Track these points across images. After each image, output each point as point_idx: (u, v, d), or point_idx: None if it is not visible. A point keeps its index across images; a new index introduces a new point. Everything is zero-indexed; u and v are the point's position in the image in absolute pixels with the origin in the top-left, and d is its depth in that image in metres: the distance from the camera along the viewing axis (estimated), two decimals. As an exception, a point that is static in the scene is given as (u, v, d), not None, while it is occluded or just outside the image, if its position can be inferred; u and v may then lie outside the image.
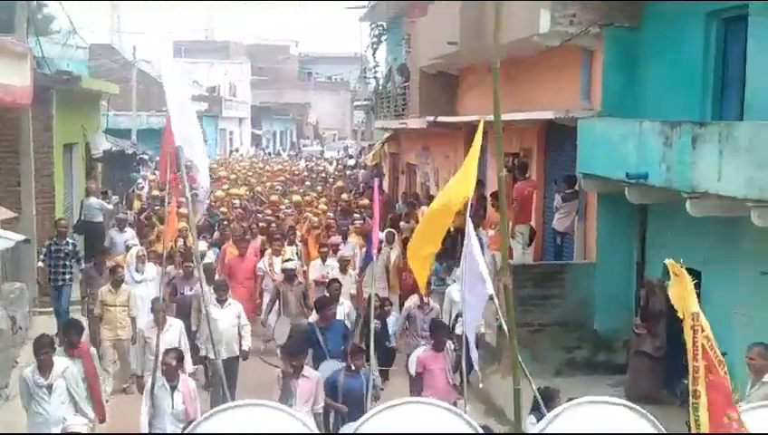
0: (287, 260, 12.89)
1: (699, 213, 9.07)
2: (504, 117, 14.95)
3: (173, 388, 7.94)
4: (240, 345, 10.64)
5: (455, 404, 7.81)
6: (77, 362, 8.47)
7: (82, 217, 16.46)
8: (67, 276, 13.11)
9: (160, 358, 8.09)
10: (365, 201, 20.77)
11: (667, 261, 4.89)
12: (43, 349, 8.02)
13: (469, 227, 6.93)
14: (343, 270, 12.97)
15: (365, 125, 40.19)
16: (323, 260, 13.71)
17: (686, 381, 9.11)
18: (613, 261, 12.07)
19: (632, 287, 11.99)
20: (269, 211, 18.93)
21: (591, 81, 12.47)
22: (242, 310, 10.92)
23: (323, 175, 31.72)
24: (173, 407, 7.88)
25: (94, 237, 15.97)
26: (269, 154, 51.10)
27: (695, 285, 11.00)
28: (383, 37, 29.14)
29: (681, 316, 4.91)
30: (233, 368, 10.46)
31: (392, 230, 15.29)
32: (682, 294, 4.96)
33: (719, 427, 4.68)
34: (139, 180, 24.84)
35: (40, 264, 13.28)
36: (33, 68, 13.76)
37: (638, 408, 5.51)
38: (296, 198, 21.08)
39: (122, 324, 11.49)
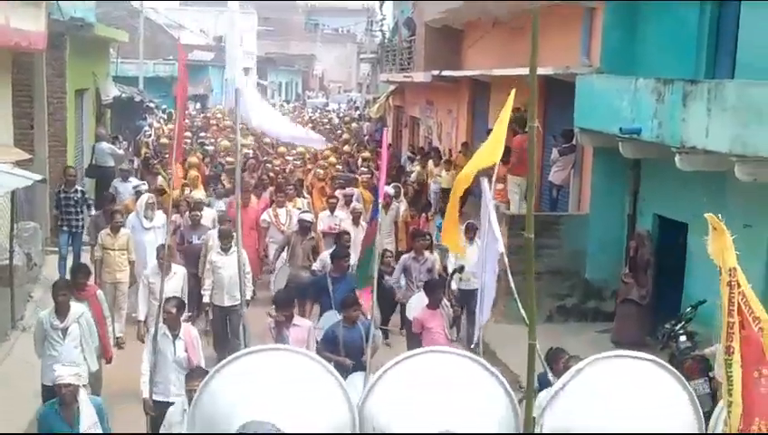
0: (304, 211, 12.91)
1: (688, 167, 9.49)
2: (506, 71, 15.45)
3: (175, 336, 7.95)
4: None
5: None
6: (83, 305, 8.60)
7: (93, 162, 16.90)
8: (79, 223, 13.16)
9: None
10: (366, 154, 21.14)
11: (706, 215, 4.78)
12: (61, 291, 8.23)
13: (486, 194, 6.73)
14: (355, 222, 13.05)
15: (370, 78, 40.41)
16: (332, 211, 13.73)
17: (668, 326, 9.75)
18: (606, 213, 12.51)
19: (623, 239, 12.44)
20: (277, 162, 18.99)
21: (591, 38, 12.84)
22: (246, 257, 10.55)
23: (329, 126, 32.00)
24: (175, 354, 7.90)
25: (104, 181, 16.43)
26: (273, 105, 51.17)
27: (683, 236, 11.51)
28: (390, -11, 29.33)
29: (719, 269, 4.81)
30: (236, 315, 10.24)
31: (398, 184, 15.33)
32: (721, 248, 4.90)
33: (749, 382, 4.66)
34: (146, 128, 25.21)
35: (54, 211, 13.43)
36: (47, 14, 14.07)
37: (664, 363, 5.35)
38: (301, 148, 20.93)
39: (121, 268, 11.51)
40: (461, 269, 10.78)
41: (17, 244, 12.92)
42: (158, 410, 7.64)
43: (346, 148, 22.94)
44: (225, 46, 48.23)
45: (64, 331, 8.12)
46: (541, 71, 13.51)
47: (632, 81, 10.54)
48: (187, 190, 14.86)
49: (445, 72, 19.28)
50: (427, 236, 11.75)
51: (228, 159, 18.65)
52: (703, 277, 9.85)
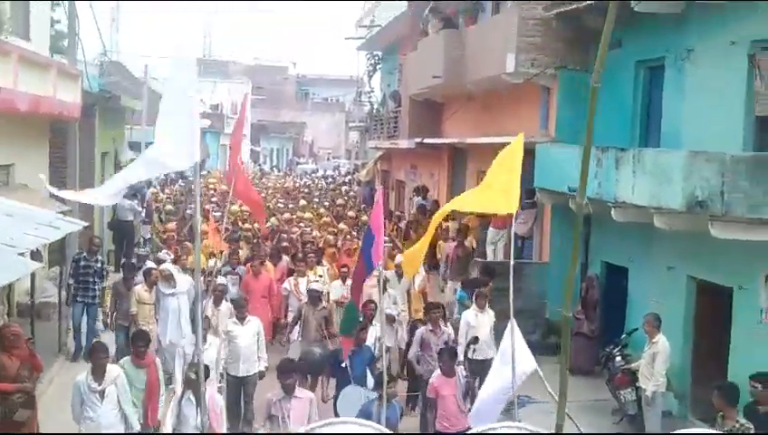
0: (313, 282, 12.56)
1: (621, 219, 11.61)
2: (477, 140, 17.69)
3: (198, 401, 7.70)
4: (258, 364, 10.53)
5: (467, 429, 8.03)
6: (141, 372, 8.62)
7: (115, 217, 18.90)
8: (96, 294, 13.08)
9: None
10: (364, 217, 21.36)
11: None
12: (102, 354, 8.20)
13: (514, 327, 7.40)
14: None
15: (359, 145, 42.75)
16: (343, 280, 13.08)
17: (607, 350, 11.71)
18: (563, 260, 14.53)
19: (578, 282, 14.49)
20: (296, 229, 18.49)
21: (549, 112, 15.14)
22: (261, 327, 10.75)
23: (318, 191, 33.48)
24: (197, 420, 7.72)
25: (124, 235, 18.44)
26: (260, 170, 52.79)
27: (624, 279, 13.52)
28: (378, 66, 31.82)
29: None
30: (251, 385, 10.47)
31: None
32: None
33: None
34: (147, 193, 26.77)
35: (70, 280, 13.16)
36: (82, 87, 16.28)
37: None
38: (307, 214, 21.00)
39: (153, 320, 11.79)
40: (475, 340, 10.86)
41: (54, 284, 14.88)
42: None
43: (351, 213, 22.54)
44: (222, 114, 50.60)
45: (102, 393, 8.06)
46: (506, 139, 15.82)
47: (578, 148, 12.75)
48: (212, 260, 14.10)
49: (427, 140, 21.55)
50: (442, 308, 11.51)
51: (246, 225, 18.41)
52: (640, 312, 11.83)
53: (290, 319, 12.43)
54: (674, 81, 12.16)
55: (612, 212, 11.59)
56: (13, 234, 10.02)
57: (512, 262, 7.42)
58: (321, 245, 16.27)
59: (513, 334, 7.31)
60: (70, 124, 16.35)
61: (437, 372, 9.35)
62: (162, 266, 12.29)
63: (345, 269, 13.43)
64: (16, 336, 8.47)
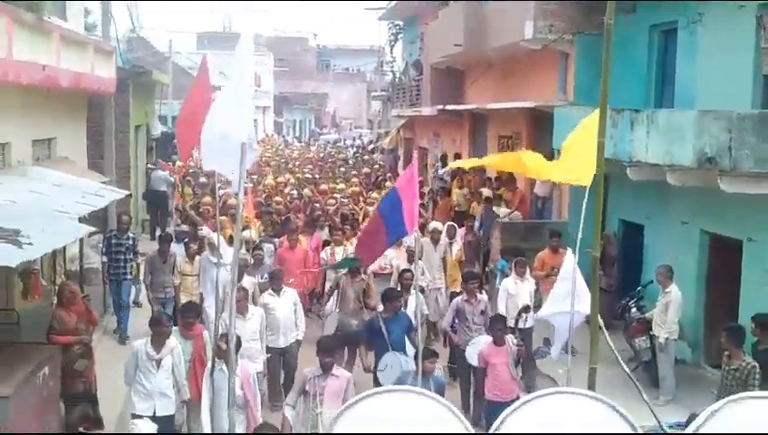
0: (352, 253, 12.20)
1: (637, 177, 12.12)
2: (497, 105, 18.31)
3: (230, 371, 7.66)
4: (297, 333, 10.60)
5: (518, 397, 8.00)
6: (189, 344, 8.69)
7: (150, 187, 19.69)
8: (127, 271, 13.14)
9: (241, 345, 8.02)
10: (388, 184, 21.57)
11: None
12: (162, 324, 8.38)
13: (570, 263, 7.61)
14: (410, 260, 12.21)
15: (381, 114, 43.25)
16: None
17: (623, 302, 12.27)
18: (581, 219, 15.12)
19: (579, 237, 15.01)
20: (332, 201, 18.13)
21: (567, 77, 15.62)
22: (297, 298, 10.80)
23: (342, 161, 33.95)
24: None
25: (159, 204, 19.23)
26: (284, 141, 53.46)
27: (641, 235, 14.05)
28: (399, 35, 32.25)
29: None
30: (292, 355, 10.54)
31: (453, 224, 14.70)
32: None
33: None
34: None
35: (103, 258, 13.33)
36: (116, 63, 16.96)
37: None
38: (341, 186, 20.93)
39: (196, 292, 11.94)
40: (527, 309, 10.76)
41: (95, 251, 15.66)
42: None
43: (388, 184, 21.94)
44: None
45: (158, 362, 8.22)
46: (526, 104, 16.44)
47: (596, 110, 13.26)
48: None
49: (449, 107, 22.08)
50: (479, 278, 11.50)
51: (277, 198, 18.40)
52: (655, 266, 12.35)
53: (326, 289, 12.44)
54: (686, 43, 12.61)
55: (628, 171, 12.10)
56: (63, 202, 10.81)
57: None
58: (360, 216, 16.21)
59: (575, 272, 7.45)
60: (106, 99, 17.04)
61: (487, 339, 9.37)
62: (208, 236, 12.26)
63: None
64: (73, 294, 9.22)
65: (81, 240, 12.26)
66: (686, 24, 12.57)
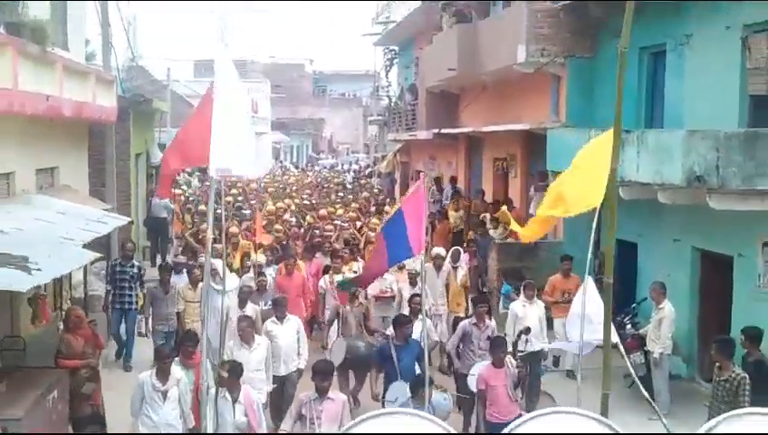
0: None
1: (628, 197, 12.34)
2: (492, 128, 18.58)
3: (234, 399, 7.95)
4: (299, 362, 10.60)
5: (518, 418, 8.40)
6: (190, 373, 8.67)
7: (151, 214, 19.92)
8: (132, 299, 13.05)
9: (246, 373, 8.35)
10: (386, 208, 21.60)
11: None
12: (166, 357, 8.46)
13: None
14: (412, 283, 12.45)
15: (378, 138, 43.62)
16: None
17: (618, 319, 12.47)
18: (576, 239, 15.35)
19: (591, 260, 15.27)
20: (329, 227, 18.12)
21: (559, 99, 15.96)
22: (301, 325, 10.81)
23: (342, 185, 34.13)
24: (234, 418, 7.90)
25: (159, 231, 19.45)
26: (281, 167, 53.75)
27: (634, 253, 14.31)
28: (395, 60, 32.69)
29: None
30: (291, 383, 10.50)
31: (459, 248, 14.67)
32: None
33: None
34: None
35: (107, 287, 13.26)
36: (117, 92, 17.26)
37: None
38: (340, 211, 20.88)
39: (198, 319, 11.57)
40: (527, 331, 10.77)
41: (98, 278, 15.88)
42: None
43: (387, 208, 21.69)
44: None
45: (164, 393, 8.24)
46: (520, 126, 16.74)
47: (587, 132, 13.52)
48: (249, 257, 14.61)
49: (444, 130, 22.41)
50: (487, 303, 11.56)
51: (277, 226, 18.14)
52: (649, 283, 12.59)
53: (326, 317, 12.41)
54: (674, 65, 12.95)
55: (620, 190, 12.32)
56: (67, 229, 11.02)
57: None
58: (361, 242, 16.24)
59: (585, 296, 7.62)
60: (107, 127, 17.30)
61: (486, 363, 9.37)
62: (211, 262, 12.13)
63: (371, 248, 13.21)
64: (80, 319, 9.45)
65: (85, 267, 12.48)
66: (674, 47, 12.92)
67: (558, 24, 15.43)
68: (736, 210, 10.38)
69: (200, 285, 11.87)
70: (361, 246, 16.05)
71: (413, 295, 11.17)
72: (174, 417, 8.24)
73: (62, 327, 10.58)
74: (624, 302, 13.97)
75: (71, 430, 9.10)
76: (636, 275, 13.92)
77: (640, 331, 11.70)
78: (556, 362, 12.91)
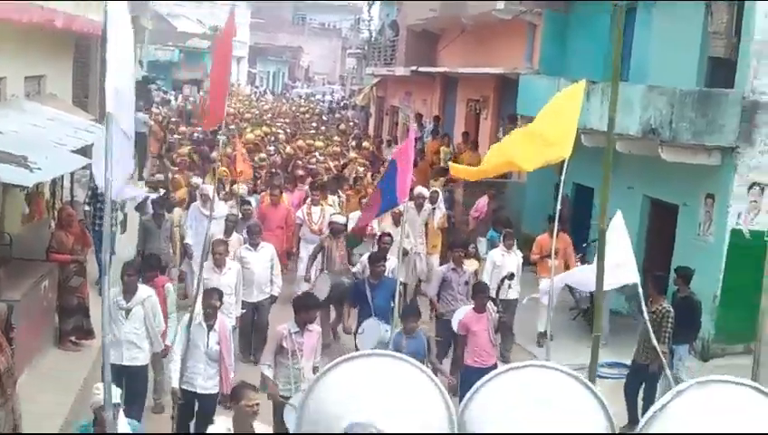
0: (336, 214, 12.36)
1: (590, 144, 13.15)
2: (468, 70, 19.22)
3: (209, 327, 7.75)
4: (271, 289, 10.54)
5: (495, 365, 8.46)
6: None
7: (130, 128, 20.36)
8: (116, 220, 12.46)
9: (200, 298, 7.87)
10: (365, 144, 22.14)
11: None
12: (128, 271, 8.11)
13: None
14: (396, 222, 12.09)
15: (355, 71, 43.94)
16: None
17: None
18: (540, 181, 16.21)
19: (550, 201, 16.13)
20: (312, 160, 18.09)
21: (533, 47, 16.63)
22: (274, 253, 10.69)
23: (316, 115, 34.77)
24: (208, 346, 7.72)
25: (137, 145, 19.88)
26: (261, 92, 53.94)
27: (588, 198, 15.16)
28: (378, -5, 32.99)
29: None
30: (264, 310, 10.48)
31: (437, 190, 14.64)
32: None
33: None
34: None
35: (85, 207, 12.78)
36: (105, 9, 17.56)
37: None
38: (319, 143, 20.85)
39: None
40: (511, 276, 10.80)
41: (80, 186, 16.41)
42: (185, 399, 7.65)
43: (365, 144, 22.61)
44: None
45: (128, 312, 8.01)
46: (494, 70, 17.42)
47: (556, 80, 14.29)
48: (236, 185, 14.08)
49: (422, 69, 22.98)
50: (470, 249, 11.72)
51: (261, 154, 18.24)
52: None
53: (302, 249, 12.65)
54: (644, 23, 13.65)
55: (582, 137, 13.15)
56: (58, 135, 11.62)
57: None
58: (349, 177, 16.30)
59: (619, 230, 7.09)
60: (92, 41, 17.66)
61: (468, 308, 9.32)
62: (201, 187, 12.28)
63: (366, 199, 12.99)
64: (71, 217, 10.12)
65: (72, 175, 13.06)
66: (644, 5, 13.59)
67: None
68: (685, 163, 11.24)
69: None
70: (350, 181, 16.08)
71: (383, 234, 11.18)
72: (137, 337, 8.02)
73: (52, 225, 11.24)
74: (580, 242, 14.93)
75: (56, 319, 9.85)
76: (590, 218, 14.81)
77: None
78: (542, 335, 12.03)
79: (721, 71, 11.88)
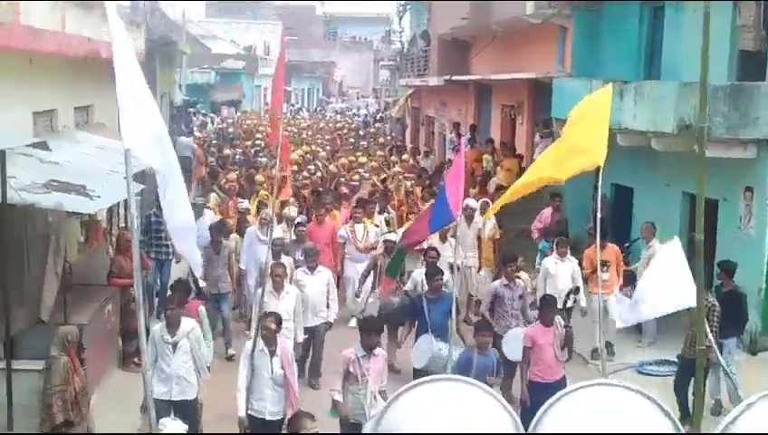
0: (389, 232, 12.48)
1: (625, 143, 13.32)
2: (501, 76, 19.47)
3: (272, 353, 7.76)
4: (327, 314, 10.48)
5: (563, 379, 8.47)
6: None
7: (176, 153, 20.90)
8: (169, 249, 12.35)
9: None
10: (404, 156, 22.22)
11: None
12: (169, 305, 8.22)
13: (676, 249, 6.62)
14: (442, 238, 12.01)
15: (389, 83, 44.31)
16: None
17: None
18: (578, 185, 16.29)
19: (591, 204, 16.27)
20: (356, 177, 17.95)
21: (565, 50, 16.84)
22: (331, 277, 10.66)
23: (356, 130, 34.54)
24: (272, 372, 7.72)
25: (183, 170, 20.41)
26: (298, 109, 54.57)
27: (628, 198, 15.34)
28: (408, 7, 33.32)
29: None
30: (320, 335, 10.42)
31: (487, 200, 14.35)
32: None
33: None
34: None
35: (141, 237, 12.21)
36: (144, 35, 18.16)
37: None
38: (362, 159, 20.73)
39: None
40: (576, 290, 10.82)
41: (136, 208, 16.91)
42: (252, 427, 7.69)
43: (404, 156, 22.53)
44: (255, 55, 52.24)
45: (174, 345, 7.98)
46: (527, 75, 17.64)
47: (589, 82, 14.47)
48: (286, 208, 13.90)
49: (455, 77, 23.25)
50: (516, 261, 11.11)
51: (304, 173, 18.24)
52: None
53: (348, 267, 12.69)
54: (673, 20, 13.80)
55: (617, 137, 13.32)
56: (110, 163, 12.08)
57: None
58: (400, 192, 16.16)
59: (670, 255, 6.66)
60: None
61: (517, 331, 9.30)
62: (263, 212, 12.23)
63: (412, 217, 13.27)
64: (129, 241, 10.50)
65: (125, 201, 13.52)
66: (672, 4, 13.74)
67: (566, -22, 16.22)
68: (722, 157, 11.35)
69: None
70: (397, 195, 15.92)
71: (428, 249, 11.03)
72: (186, 370, 7.99)
73: (110, 250, 11.70)
74: (621, 243, 15.03)
75: (120, 341, 10.28)
76: (631, 218, 14.95)
77: (631, 267, 12.75)
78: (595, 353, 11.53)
79: (752, 64, 12.01)
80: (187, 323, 8.11)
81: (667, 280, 6.30)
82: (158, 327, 8.09)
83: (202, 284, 10.83)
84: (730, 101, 10.97)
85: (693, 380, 9.53)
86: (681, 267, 6.38)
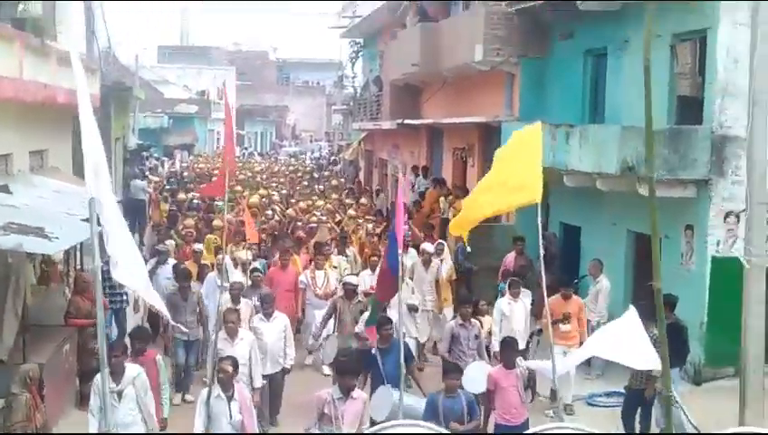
0: (351, 275, 12.47)
1: (572, 184, 13.83)
2: (452, 120, 19.98)
3: (229, 398, 7.69)
4: (285, 360, 10.37)
5: (527, 421, 8.54)
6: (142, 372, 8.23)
7: (130, 196, 21.01)
8: (123, 298, 12.49)
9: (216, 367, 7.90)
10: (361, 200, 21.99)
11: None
12: (114, 352, 7.80)
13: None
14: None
15: (342, 126, 44.84)
16: (373, 270, 12.72)
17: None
18: (526, 222, 16.75)
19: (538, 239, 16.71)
20: (314, 219, 17.72)
21: (513, 95, 17.42)
22: (288, 324, 10.53)
23: (310, 174, 34.53)
24: (231, 417, 7.63)
25: (137, 214, 20.53)
26: (250, 153, 54.72)
27: (575, 237, 15.81)
28: (360, 53, 33.95)
29: None
30: (278, 383, 10.36)
31: (442, 242, 14.63)
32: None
33: None
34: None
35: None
36: (99, 80, 18.33)
37: None
38: (319, 202, 20.83)
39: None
40: (539, 332, 11.07)
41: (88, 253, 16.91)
42: None
43: (363, 200, 22.31)
44: (208, 100, 52.49)
45: (119, 394, 7.74)
46: (476, 119, 18.17)
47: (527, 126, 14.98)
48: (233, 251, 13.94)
49: (407, 121, 23.75)
50: (478, 303, 11.59)
51: (262, 218, 18.15)
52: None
53: (308, 313, 12.57)
54: (614, 67, 14.44)
55: (564, 178, 13.83)
56: (67, 206, 12.18)
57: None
58: (359, 233, 16.35)
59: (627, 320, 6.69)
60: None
61: (478, 363, 9.34)
62: (221, 258, 11.33)
63: (375, 259, 13.24)
64: (87, 283, 10.64)
65: (81, 243, 13.57)
66: (613, 50, 14.40)
67: (512, 26, 16.79)
68: (663, 197, 11.86)
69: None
70: (354, 238, 16.12)
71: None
72: (132, 419, 7.78)
73: (67, 292, 11.74)
74: (569, 280, 15.45)
75: (77, 381, 10.31)
76: (579, 255, 15.41)
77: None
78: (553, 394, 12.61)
79: (689, 108, 12.61)
80: (132, 370, 7.89)
81: (624, 338, 6.38)
82: (99, 376, 7.36)
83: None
84: (670, 144, 11.52)
85: (639, 409, 10.03)
86: (638, 334, 6.39)
